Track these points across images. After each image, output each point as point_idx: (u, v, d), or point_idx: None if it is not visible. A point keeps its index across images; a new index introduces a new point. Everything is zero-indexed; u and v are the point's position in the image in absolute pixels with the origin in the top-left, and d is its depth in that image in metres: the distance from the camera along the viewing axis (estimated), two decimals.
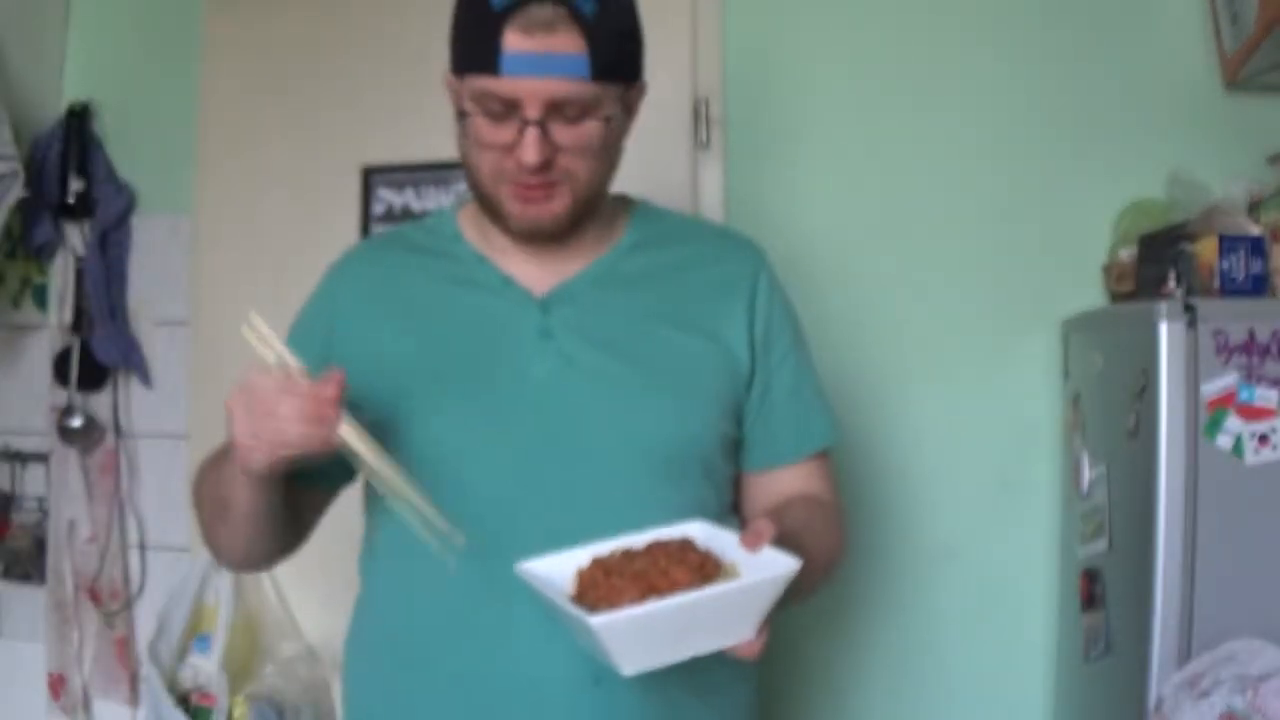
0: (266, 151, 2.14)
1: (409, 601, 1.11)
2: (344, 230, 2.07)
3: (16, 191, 2.02)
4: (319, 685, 2.03)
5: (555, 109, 1.02)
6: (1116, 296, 1.79)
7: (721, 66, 2.00)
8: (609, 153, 1.10)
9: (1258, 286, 1.47)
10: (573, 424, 1.08)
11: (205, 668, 1.95)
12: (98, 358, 2.17)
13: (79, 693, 2.19)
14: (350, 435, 0.97)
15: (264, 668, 1.98)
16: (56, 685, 2.20)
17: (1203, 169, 1.74)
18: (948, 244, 1.94)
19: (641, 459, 1.09)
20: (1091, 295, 1.88)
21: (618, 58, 1.05)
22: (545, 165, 1.04)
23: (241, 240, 2.14)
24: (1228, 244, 1.48)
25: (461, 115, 1.06)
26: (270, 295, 2.01)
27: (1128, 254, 1.75)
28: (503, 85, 1.01)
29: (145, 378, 2.20)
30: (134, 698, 2.17)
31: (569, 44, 1.00)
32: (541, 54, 1.00)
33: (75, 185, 2.14)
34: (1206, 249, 1.50)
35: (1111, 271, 1.80)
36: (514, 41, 1.00)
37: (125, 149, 2.21)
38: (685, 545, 0.94)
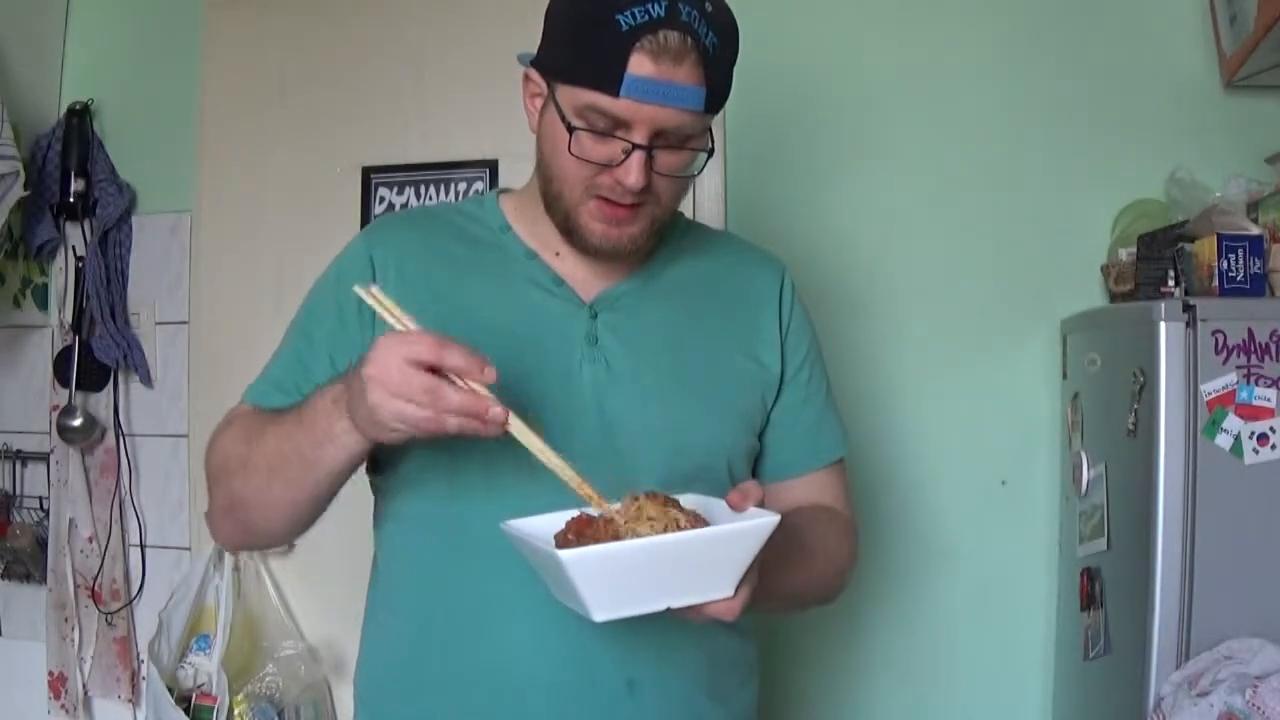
0: (266, 151, 2.14)
1: (429, 613, 1.10)
2: (344, 230, 2.02)
3: (16, 191, 2.02)
4: (319, 685, 2.03)
5: (660, 134, 1.02)
6: (1115, 296, 1.79)
7: None
8: (692, 178, 1.10)
9: (1257, 286, 1.48)
10: (613, 428, 1.09)
11: (205, 668, 1.96)
12: (98, 358, 2.16)
13: (79, 692, 2.18)
14: (516, 427, 0.91)
15: (264, 668, 1.98)
16: (56, 685, 2.20)
17: (1202, 169, 1.74)
18: (947, 244, 1.95)
19: (674, 464, 1.10)
20: (1091, 295, 1.88)
21: (724, 89, 1.06)
22: (644, 188, 1.03)
23: (241, 240, 2.15)
24: (1227, 244, 1.48)
25: (565, 124, 1.02)
26: (270, 295, 2.07)
27: (1127, 254, 1.75)
28: (618, 106, 0.99)
29: (145, 378, 2.20)
30: (134, 697, 2.17)
31: (690, 75, 0.99)
32: (664, 82, 0.98)
33: (75, 185, 2.14)
34: (1206, 249, 1.51)
35: (1110, 271, 1.80)
36: (640, 66, 0.98)
37: (125, 149, 2.21)
38: (669, 499, 0.93)
